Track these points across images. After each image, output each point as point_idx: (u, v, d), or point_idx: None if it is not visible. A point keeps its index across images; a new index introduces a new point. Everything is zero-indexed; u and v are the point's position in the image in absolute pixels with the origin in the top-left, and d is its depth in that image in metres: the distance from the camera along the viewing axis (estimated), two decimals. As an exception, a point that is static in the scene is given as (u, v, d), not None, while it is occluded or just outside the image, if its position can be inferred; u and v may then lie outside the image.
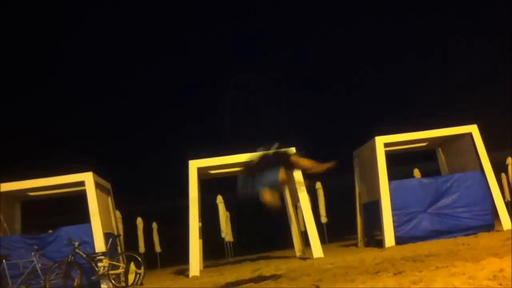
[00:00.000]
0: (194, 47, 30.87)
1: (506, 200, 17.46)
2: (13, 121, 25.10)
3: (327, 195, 19.70)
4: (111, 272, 11.73)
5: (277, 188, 7.01)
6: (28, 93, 27.07)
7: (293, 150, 7.71)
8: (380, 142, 13.51)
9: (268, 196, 6.77)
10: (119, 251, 13.49)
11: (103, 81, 28.61)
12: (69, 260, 11.44)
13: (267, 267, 10.66)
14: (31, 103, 26.24)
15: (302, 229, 15.12)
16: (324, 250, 12.91)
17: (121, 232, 15.61)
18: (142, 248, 19.67)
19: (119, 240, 14.02)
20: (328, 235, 19.41)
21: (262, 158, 7.22)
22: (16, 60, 26.52)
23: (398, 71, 28.21)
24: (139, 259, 12.18)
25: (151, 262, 18.08)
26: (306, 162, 7.34)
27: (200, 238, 13.36)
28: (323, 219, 19.36)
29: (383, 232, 12.86)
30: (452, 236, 12.52)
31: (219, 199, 19.02)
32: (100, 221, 12.18)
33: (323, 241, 15.46)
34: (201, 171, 13.56)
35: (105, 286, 11.76)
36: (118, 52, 28.94)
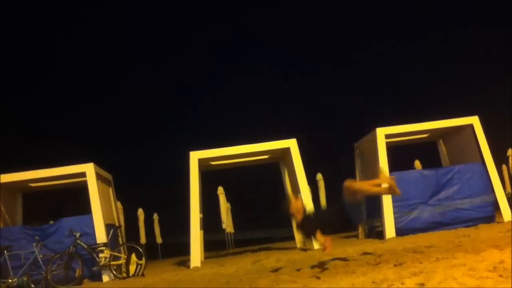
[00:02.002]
0: (193, 41, 30.80)
1: (506, 192, 17.47)
2: (14, 113, 25.11)
3: (328, 186, 19.69)
4: (112, 263, 11.76)
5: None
6: (29, 86, 27.08)
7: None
8: (381, 133, 13.50)
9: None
10: (120, 242, 13.53)
11: (104, 73, 28.59)
12: (70, 251, 11.47)
13: (267, 259, 10.67)
14: (32, 96, 26.25)
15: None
16: (325, 242, 12.90)
17: (122, 223, 15.65)
18: (143, 239, 19.73)
19: (120, 231, 14.05)
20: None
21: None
22: (16, 55, 26.48)
23: (400, 63, 28.14)
24: (140, 250, 12.20)
25: (152, 253, 18.14)
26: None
27: (201, 229, 13.39)
28: (324, 211, 19.34)
29: (384, 223, 12.87)
30: (452, 227, 12.53)
31: (220, 190, 19.03)
32: (101, 212, 12.19)
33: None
34: (202, 162, 13.56)
35: (106, 277, 11.79)
36: (118, 47, 28.92)
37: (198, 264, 12.23)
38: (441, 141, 15.96)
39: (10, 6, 26.18)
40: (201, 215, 13.54)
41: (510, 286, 4.02)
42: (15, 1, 26.74)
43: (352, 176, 16.07)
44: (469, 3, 26.27)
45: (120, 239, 13.70)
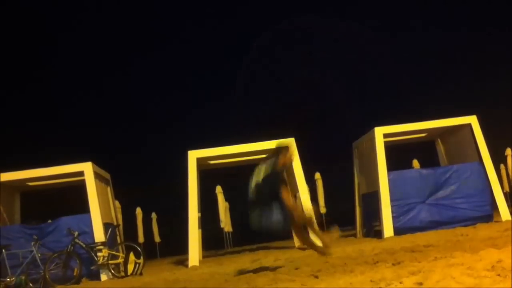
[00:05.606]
0: (192, 37, 30.78)
1: (505, 191, 17.50)
2: (12, 112, 25.06)
3: (326, 185, 19.71)
4: (110, 262, 11.76)
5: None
6: (25, 85, 27.01)
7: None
8: (380, 132, 13.51)
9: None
10: (119, 241, 13.53)
11: (101, 70, 28.54)
12: (68, 250, 11.46)
13: (266, 258, 10.68)
14: (29, 95, 26.19)
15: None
16: (323, 241, 12.90)
17: (121, 222, 15.63)
18: (141, 238, 19.72)
19: (119, 230, 14.04)
20: (327, 225, 19.42)
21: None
22: (11, 53, 26.38)
23: (398, 63, 28.16)
24: (139, 249, 12.20)
25: (150, 252, 18.14)
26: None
27: (199, 228, 13.39)
28: (322, 210, 19.38)
29: (382, 222, 12.88)
30: (450, 227, 12.54)
31: (218, 190, 19.03)
32: (99, 211, 12.20)
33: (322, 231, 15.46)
34: (200, 161, 13.56)
35: (105, 276, 11.79)
36: (115, 42, 28.86)
37: (197, 263, 12.24)
38: (439, 140, 15.97)
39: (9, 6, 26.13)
40: (199, 214, 13.55)
41: (508, 286, 4.02)
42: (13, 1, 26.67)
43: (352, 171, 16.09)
44: (468, 3, 26.28)
45: (118, 238, 13.70)
